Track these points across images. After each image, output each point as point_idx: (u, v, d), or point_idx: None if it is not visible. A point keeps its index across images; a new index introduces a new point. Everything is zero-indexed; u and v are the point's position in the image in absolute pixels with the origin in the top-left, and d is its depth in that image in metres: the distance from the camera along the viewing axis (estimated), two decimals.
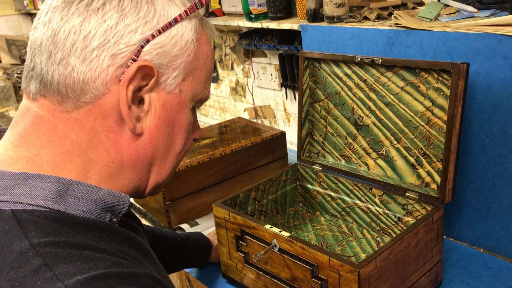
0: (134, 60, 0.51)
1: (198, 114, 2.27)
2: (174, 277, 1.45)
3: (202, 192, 1.32)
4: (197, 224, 1.30)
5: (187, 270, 1.13)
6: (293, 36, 1.49)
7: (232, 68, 1.93)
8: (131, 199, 0.84)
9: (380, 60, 0.97)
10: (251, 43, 1.66)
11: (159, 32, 0.52)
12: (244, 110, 1.97)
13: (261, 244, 0.90)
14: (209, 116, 2.21)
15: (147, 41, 0.52)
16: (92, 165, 0.53)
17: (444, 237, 1.10)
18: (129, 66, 0.51)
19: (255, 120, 1.89)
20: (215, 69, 2.03)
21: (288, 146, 1.66)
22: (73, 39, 0.50)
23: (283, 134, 1.46)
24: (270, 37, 1.60)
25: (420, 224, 0.85)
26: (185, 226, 1.28)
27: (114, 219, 0.54)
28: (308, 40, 1.30)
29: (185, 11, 0.55)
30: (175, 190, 1.27)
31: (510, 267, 0.98)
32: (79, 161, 0.52)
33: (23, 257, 0.44)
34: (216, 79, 2.06)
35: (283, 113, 1.76)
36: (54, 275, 0.43)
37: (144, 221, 1.39)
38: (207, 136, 1.48)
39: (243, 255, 0.96)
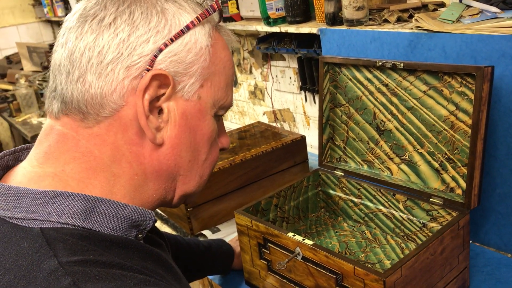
0: (149, 70, 0.52)
1: None
2: (196, 283, 1.46)
3: (223, 198, 1.32)
4: (219, 230, 1.30)
5: (210, 276, 1.13)
6: (312, 40, 1.49)
7: (251, 72, 1.93)
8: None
9: (402, 65, 0.95)
10: (270, 47, 1.65)
11: (172, 41, 0.53)
12: (263, 114, 1.96)
13: (284, 252, 0.90)
14: (228, 120, 2.21)
15: (160, 50, 0.52)
16: (116, 180, 0.53)
17: (471, 242, 1.08)
18: (143, 76, 0.52)
19: (274, 124, 1.89)
20: None
21: (309, 149, 1.65)
22: (88, 55, 0.51)
23: (303, 138, 1.46)
24: (289, 41, 1.59)
25: (446, 231, 0.84)
26: (207, 233, 1.29)
27: (140, 235, 0.55)
28: (327, 44, 1.29)
29: (196, 17, 0.55)
30: (196, 197, 1.27)
31: None
32: (103, 176, 0.53)
33: (53, 276, 0.44)
34: (235, 83, 2.06)
35: (302, 117, 1.75)
36: None
37: (166, 228, 1.40)
38: None
39: (266, 263, 0.96)
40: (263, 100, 1.93)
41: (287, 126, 1.84)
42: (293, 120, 1.80)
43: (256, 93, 1.96)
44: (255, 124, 1.63)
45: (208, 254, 1.02)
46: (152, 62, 0.52)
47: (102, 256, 0.48)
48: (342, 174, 1.11)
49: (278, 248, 0.91)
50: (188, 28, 0.54)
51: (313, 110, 1.69)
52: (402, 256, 1.00)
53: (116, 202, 0.52)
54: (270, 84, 1.84)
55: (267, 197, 1.06)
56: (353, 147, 1.11)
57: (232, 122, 2.19)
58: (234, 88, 2.08)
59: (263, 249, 0.95)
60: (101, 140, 0.52)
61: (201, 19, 0.55)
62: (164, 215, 1.44)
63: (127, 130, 0.53)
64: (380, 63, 0.99)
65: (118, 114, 0.52)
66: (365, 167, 1.10)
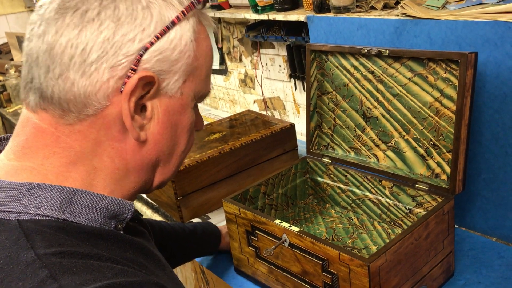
0: (134, 70, 0.50)
1: (208, 107, 2.27)
2: (188, 269, 1.47)
3: (213, 187, 1.33)
4: (209, 218, 1.31)
5: (202, 264, 1.14)
6: (300, 27, 1.48)
7: (241, 60, 1.93)
8: (144, 195, 0.84)
9: (387, 52, 0.96)
10: (259, 35, 1.65)
11: (157, 38, 0.51)
12: (254, 102, 1.96)
13: (271, 239, 0.91)
14: (219, 109, 2.21)
15: (146, 49, 0.51)
16: (97, 173, 0.53)
17: (456, 226, 1.09)
18: (129, 76, 0.50)
19: (264, 112, 1.89)
20: (223, 62, 2.03)
21: (298, 137, 1.66)
22: (70, 53, 0.49)
23: (292, 127, 1.46)
24: (277, 29, 1.59)
25: (431, 216, 0.85)
26: (197, 221, 1.29)
27: (119, 225, 0.55)
28: (315, 32, 1.29)
29: (182, 11, 0.53)
30: (186, 185, 1.28)
31: None
32: (84, 170, 0.52)
33: (30, 269, 0.45)
34: (225, 72, 2.05)
35: (292, 104, 1.75)
36: (60, 287, 0.43)
37: (157, 217, 1.41)
38: (217, 131, 1.49)
39: (254, 250, 0.97)
40: (254, 89, 1.93)
41: (278, 114, 1.84)
42: (283, 108, 1.80)
43: (247, 82, 1.96)
44: (245, 113, 1.63)
45: (193, 237, 1.03)
46: (137, 62, 0.50)
47: (79, 248, 0.48)
48: (330, 161, 1.12)
49: (265, 235, 0.92)
50: (173, 23, 0.52)
51: (302, 97, 1.69)
52: (388, 241, 1.01)
53: (94, 194, 0.52)
54: (260, 72, 1.84)
55: (255, 185, 1.06)
56: (340, 134, 1.12)
57: (223, 110, 2.19)
58: (224, 77, 2.08)
59: (251, 237, 0.96)
60: (83, 136, 0.52)
61: (186, 13, 0.53)
62: (154, 204, 1.45)
63: (110, 127, 0.52)
64: (366, 50, 0.99)
65: (102, 113, 0.51)
66: (352, 154, 1.11)
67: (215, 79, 2.14)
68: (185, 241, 1.01)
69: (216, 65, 2.06)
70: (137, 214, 0.68)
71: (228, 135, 1.44)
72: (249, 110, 1.66)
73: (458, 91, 0.86)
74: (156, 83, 0.52)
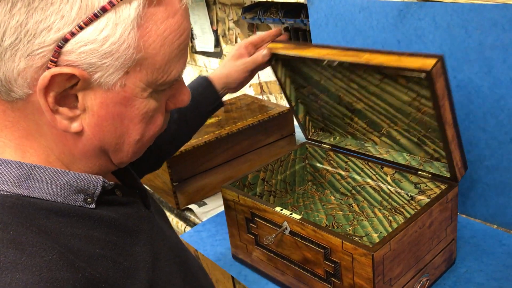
0: (54, 62, 0.45)
1: None
2: None
3: (209, 172, 1.30)
4: (205, 204, 1.29)
5: (198, 250, 1.12)
6: (299, 9, 1.45)
7: (236, 43, 1.89)
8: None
9: (348, 64, 0.86)
10: (255, 16, 1.61)
11: (81, 28, 0.44)
12: (250, 86, 1.93)
13: (271, 226, 0.89)
14: None
15: (66, 39, 0.44)
16: (49, 152, 0.51)
17: (458, 214, 1.08)
18: (49, 68, 0.45)
19: (260, 97, 1.86)
20: (218, 44, 1.99)
21: (296, 122, 1.63)
22: None
23: (290, 111, 1.43)
24: (275, 10, 1.55)
25: (435, 204, 0.83)
26: (193, 207, 1.27)
27: (89, 199, 0.52)
28: (315, 14, 1.25)
29: None
30: (182, 171, 1.25)
31: None
32: (37, 146, 0.51)
33: None
34: (220, 54, 2.01)
35: None
36: None
37: None
38: (213, 115, 1.46)
39: (253, 237, 0.95)
40: None
41: (274, 98, 1.81)
42: (280, 93, 1.77)
43: None
44: (241, 97, 1.60)
45: (186, 117, 0.94)
46: (56, 53, 0.45)
47: (27, 229, 0.45)
48: (330, 147, 1.10)
49: (265, 223, 0.90)
50: (104, 10, 0.44)
51: None
52: (389, 229, 0.99)
53: (54, 169, 0.50)
54: None
55: (254, 171, 1.04)
56: (331, 121, 1.08)
57: None
58: (219, 60, 2.04)
59: (251, 224, 0.94)
60: (23, 115, 0.49)
61: None
62: (149, 189, 1.42)
63: (43, 113, 0.48)
64: (325, 62, 0.89)
65: (29, 99, 0.48)
66: (350, 137, 1.08)
67: (210, 62, 2.10)
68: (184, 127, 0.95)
69: (211, 47, 2.02)
70: (132, 178, 0.64)
71: (224, 119, 1.41)
72: (245, 94, 1.63)
73: (433, 102, 0.79)
74: (81, 78, 0.46)
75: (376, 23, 1.10)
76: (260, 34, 1.00)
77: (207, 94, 0.94)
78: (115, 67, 0.47)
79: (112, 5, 0.45)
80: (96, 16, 0.44)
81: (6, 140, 0.50)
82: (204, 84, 0.94)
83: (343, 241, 0.76)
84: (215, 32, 1.96)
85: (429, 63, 0.73)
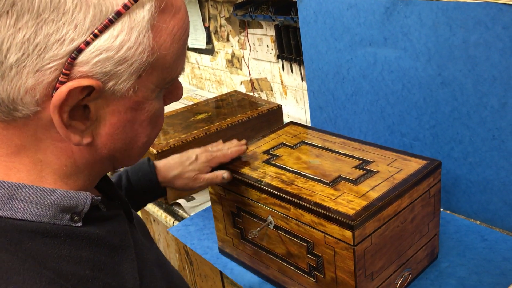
0: (66, 75, 0.41)
1: (194, 88, 2.24)
2: (172, 250, 1.46)
3: None
4: (193, 199, 1.29)
5: (186, 244, 1.12)
6: (289, 6, 1.46)
7: (228, 40, 1.89)
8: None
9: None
10: (247, 13, 1.62)
11: (95, 36, 0.41)
12: (241, 83, 1.94)
13: (256, 220, 0.90)
14: (206, 89, 2.18)
15: (80, 50, 0.41)
16: (44, 166, 0.47)
17: (442, 209, 1.09)
18: (61, 82, 0.42)
19: (251, 94, 1.87)
20: (210, 41, 1.99)
21: (285, 119, 1.65)
22: None
23: (279, 108, 1.44)
24: (266, 8, 1.56)
25: (417, 199, 0.84)
26: (182, 201, 1.28)
27: (76, 217, 0.48)
28: (304, 11, 1.26)
29: None
30: None
31: (507, 239, 0.98)
32: (29, 161, 0.46)
33: None
34: (211, 51, 2.02)
35: (280, 86, 1.73)
36: None
37: None
38: (203, 111, 1.47)
39: (239, 231, 0.96)
40: (241, 69, 1.90)
41: (265, 96, 1.82)
42: (271, 90, 1.78)
43: (234, 62, 1.93)
44: (232, 93, 1.61)
45: (131, 189, 0.88)
46: (69, 66, 0.41)
47: (10, 254, 0.42)
48: None
49: (250, 217, 0.91)
50: (119, 14, 0.41)
51: (290, 79, 1.67)
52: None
53: (40, 188, 0.46)
54: (247, 52, 1.81)
55: None
56: None
57: (210, 91, 2.16)
58: (211, 57, 2.05)
59: (236, 218, 0.95)
60: (20, 132, 0.45)
61: None
62: None
63: (49, 129, 0.45)
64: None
65: (35, 116, 0.44)
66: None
67: (202, 59, 2.10)
68: (130, 194, 0.87)
69: (202, 44, 2.02)
70: (114, 190, 0.60)
71: (214, 115, 1.42)
72: (235, 91, 1.64)
73: None
74: (96, 88, 0.43)
75: (363, 20, 1.12)
76: (224, 150, 0.93)
77: (148, 185, 0.88)
78: (129, 72, 0.44)
79: (126, 8, 0.42)
80: (111, 22, 0.41)
81: None
82: (147, 172, 0.88)
83: (325, 235, 0.77)
84: (207, 29, 1.97)
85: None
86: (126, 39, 0.43)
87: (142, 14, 0.43)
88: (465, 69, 0.96)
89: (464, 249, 0.97)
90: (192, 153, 0.92)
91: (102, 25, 0.41)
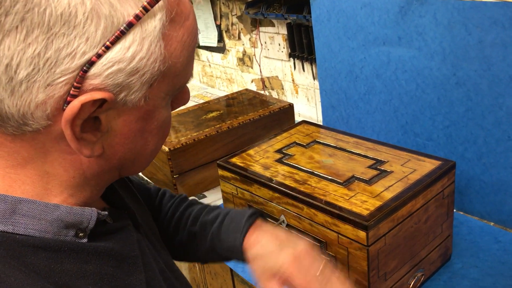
0: (78, 88, 0.41)
1: (204, 86, 2.24)
2: None
3: (210, 165, 1.31)
4: (204, 196, 1.30)
5: None
6: (301, 5, 1.45)
7: (239, 38, 1.89)
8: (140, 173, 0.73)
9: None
10: (259, 12, 1.61)
11: (107, 48, 0.40)
12: (252, 81, 1.94)
13: (269, 219, 0.90)
14: (216, 88, 2.18)
15: (91, 63, 0.40)
16: (50, 178, 0.46)
17: (455, 210, 1.09)
18: (73, 95, 0.41)
19: (262, 92, 1.87)
20: (221, 39, 1.99)
21: (296, 118, 1.64)
22: None
23: (291, 106, 1.44)
24: (278, 6, 1.55)
25: (431, 200, 0.84)
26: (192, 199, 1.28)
27: (81, 234, 0.47)
28: (317, 10, 1.26)
29: (143, 7, 0.41)
30: (182, 164, 1.26)
31: None
32: (35, 173, 0.45)
33: None
34: (222, 49, 2.02)
35: (291, 84, 1.73)
36: None
37: None
38: (214, 109, 1.47)
39: None
40: (252, 67, 1.90)
41: (276, 94, 1.82)
42: (282, 88, 1.78)
43: (245, 60, 1.93)
44: (243, 92, 1.61)
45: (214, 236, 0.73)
46: (81, 79, 0.40)
47: (12, 270, 0.41)
48: None
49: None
50: (130, 25, 0.41)
51: (301, 78, 1.67)
52: None
53: (43, 203, 0.45)
54: (258, 50, 1.81)
55: None
56: None
57: (220, 89, 2.16)
58: (222, 55, 2.05)
59: None
60: (28, 145, 0.44)
61: (150, 7, 0.41)
62: (149, 181, 1.43)
63: (58, 142, 0.44)
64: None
65: (45, 130, 0.43)
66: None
67: (213, 57, 2.11)
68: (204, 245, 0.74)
69: (214, 42, 2.02)
70: (121, 202, 0.58)
71: (225, 114, 1.42)
72: (247, 89, 1.63)
73: None
74: (109, 100, 0.42)
75: (377, 19, 1.11)
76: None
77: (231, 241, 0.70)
78: (141, 83, 0.43)
79: (138, 19, 0.41)
80: (122, 33, 0.41)
81: None
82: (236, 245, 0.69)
83: (339, 235, 0.77)
84: (218, 27, 1.97)
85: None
86: (138, 49, 0.42)
87: (154, 24, 0.42)
88: (480, 69, 0.95)
89: (478, 251, 0.97)
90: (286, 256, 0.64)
91: (113, 36, 0.40)
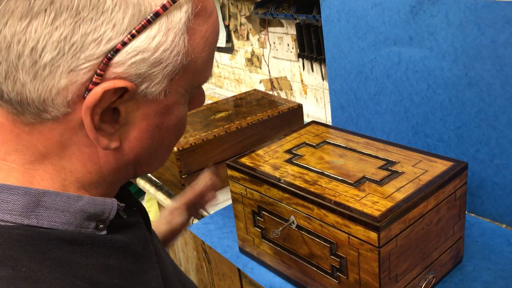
0: (100, 75, 0.41)
1: (212, 86, 2.24)
2: (190, 248, 1.46)
3: (218, 166, 1.31)
4: None
5: (206, 242, 1.12)
6: (311, 5, 1.45)
7: (248, 38, 1.89)
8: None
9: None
10: (267, 12, 1.61)
11: (133, 36, 0.40)
12: (260, 82, 1.93)
13: (278, 220, 0.89)
14: (224, 88, 2.18)
15: (116, 50, 0.40)
16: (67, 174, 0.46)
17: (466, 212, 1.07)
18: (95, 83, 0.41)
19: (271, 92, 1.86)
20: (229, 40, 1.99)
21: (305, 118, 1.64)
22: (17, 50, 0.39)
23: (300, 107, 1.43)
24: (287, 6, 1.55)
25: (442, 201, 0.83)
26: None
27: (101, 225, 0.47)
28: (327, 10, 1.25)
29: None
30: (191, 164, 1.26)
31: None
32: (52, 169, 0.45)
33: None
34: (231, 50, 2.02)
35: (299, 85, 1.72)
36: None
37: (160, 194, 1.39)
38: (223, 109, 1.46)
39: (260, 231, 0.95)
40: (260, 68, 1.90)
41: (284, 95, 1.81)
42: (290, 89, 1.77)
43: (253, 60, 1.92)
44: (251, 92, 1.60)
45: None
46: (104, 66, 0.40)
47: (38, 264, 0.40)
48: None
49: (272, 216, 0.90)
50: (157, 15, 0.41)
51: (310, 78, 1.66)
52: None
53: (66, 194, 0.45)
54: (267, 51, 1.80)
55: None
56: None
57: (229, 90, 2.16)
58: (230, 55, 2.04)
59: (258, 217, 0.94)
60: (45, 138, 0.44)
61: None
62: (158, 182, 1.43)
63: (76, 133, 0.44)
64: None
65: (64, 118, 0.43)
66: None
67: (221, 58, 2.10)
68: None
69: (222, 43, 2.02)
70: (132, 197, 0.59)
71: (233, 114, 1.42)
72: (255, 90, 1.63)
73: None
74: (129, 90, 0.42)
75: (388, 19, 1.10)
76: (194, 191, 1.01)
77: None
78: (163, 75, 0.43)
79: (165, 9, 0.41)
80: (148, 22, 0.41)
81: (14, 164, 0.44)
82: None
83: (350, 236, 0.76)
84: (227, 27, 1.97)
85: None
86: (163, 40, 0.42)
87: (179, 16, 0.42)
88: (493, 70, 0.94)
89: (490, 253, 0.95)
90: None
91: (140, 25, 0.40)
